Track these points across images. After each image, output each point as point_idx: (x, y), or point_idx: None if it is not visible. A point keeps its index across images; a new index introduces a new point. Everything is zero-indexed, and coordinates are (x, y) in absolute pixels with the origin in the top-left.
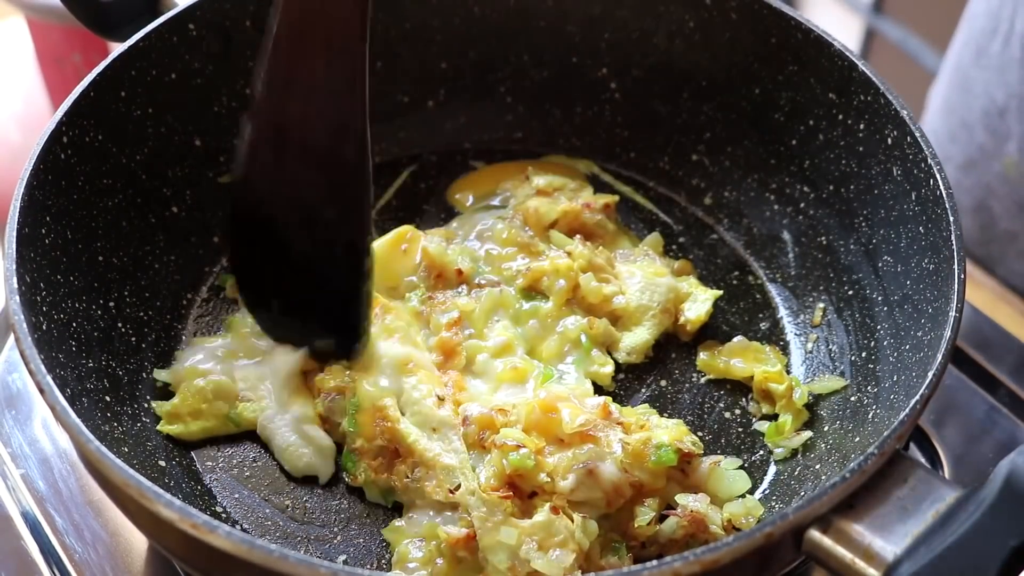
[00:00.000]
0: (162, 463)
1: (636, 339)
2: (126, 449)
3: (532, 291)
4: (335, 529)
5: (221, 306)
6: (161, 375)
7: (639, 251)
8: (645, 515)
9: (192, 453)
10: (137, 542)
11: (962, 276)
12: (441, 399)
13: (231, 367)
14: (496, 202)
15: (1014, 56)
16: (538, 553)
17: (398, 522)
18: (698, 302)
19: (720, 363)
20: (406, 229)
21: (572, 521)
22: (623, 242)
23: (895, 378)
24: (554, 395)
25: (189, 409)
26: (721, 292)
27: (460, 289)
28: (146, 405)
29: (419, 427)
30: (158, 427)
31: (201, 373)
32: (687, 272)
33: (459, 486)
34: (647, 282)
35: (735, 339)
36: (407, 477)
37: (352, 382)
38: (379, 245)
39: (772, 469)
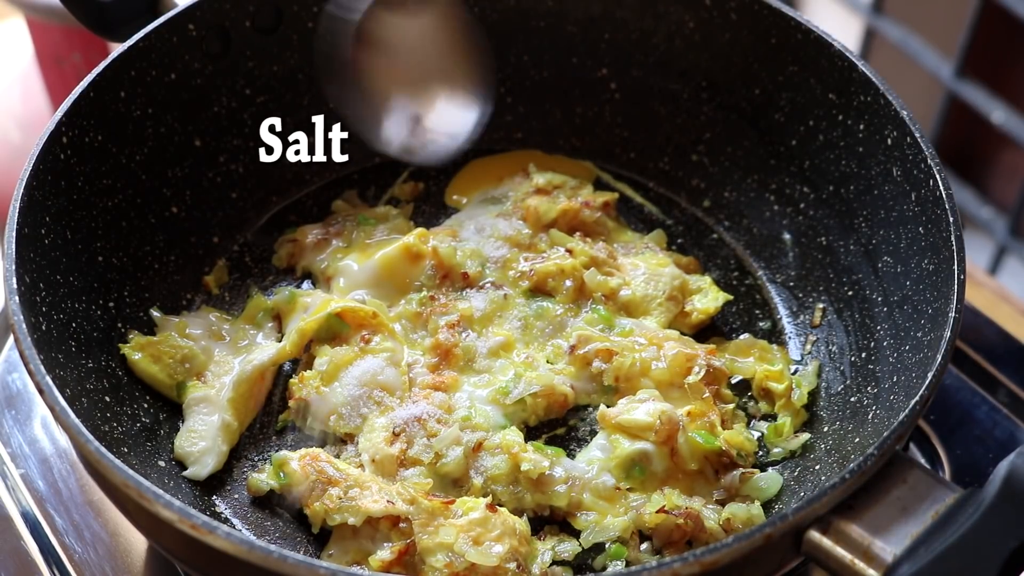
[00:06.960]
0: (162, 463)
1: None
2: (126, 449)
3: (536, 291)
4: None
5: (222, 305)
6: (155, 315)
7: (641, 244)
8: (656, 503)
9: None
10: (137, 542)
11: (962, 277)
12: (396, 434)
13: (212, 346)
14: (495, 196)
15: None
16: (471, 546)
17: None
18: (708, 297)
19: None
20: (420, 233)
21: (506, 517)
22: (623, 238)
23: (895, 379)
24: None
25: (155, 351)
26: (732, 297)
27: (463, 292)
28: (146, 405)
29: (365, 452)
30: (118, 344)
31: (185, 335)
32: (695, 270)
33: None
34: (651, 272)
35: (742, 336)
36: (340, 498)
37: (317, 392)
38: (391, 252)
39: (771, 470)
